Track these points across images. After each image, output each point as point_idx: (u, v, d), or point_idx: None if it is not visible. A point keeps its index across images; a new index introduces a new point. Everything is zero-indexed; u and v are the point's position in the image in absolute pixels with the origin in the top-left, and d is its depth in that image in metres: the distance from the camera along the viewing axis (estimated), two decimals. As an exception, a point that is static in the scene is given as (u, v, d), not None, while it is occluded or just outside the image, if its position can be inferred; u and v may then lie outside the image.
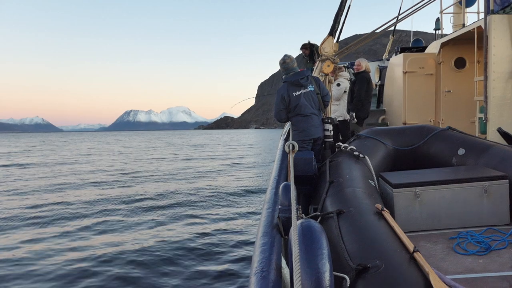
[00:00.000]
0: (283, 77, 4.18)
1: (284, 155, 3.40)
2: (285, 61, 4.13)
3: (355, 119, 5.43)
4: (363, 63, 5.53)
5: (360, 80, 5.42)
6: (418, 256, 1.52)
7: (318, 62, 5.23)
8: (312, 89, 4.10)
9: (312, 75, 4.35)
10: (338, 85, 5.79)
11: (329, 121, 4.15)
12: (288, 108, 4.06)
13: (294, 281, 1.03)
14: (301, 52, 8.18)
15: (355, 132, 5.42)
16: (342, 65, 7.26)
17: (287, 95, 4.01)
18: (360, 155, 3.29)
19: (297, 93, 4.02)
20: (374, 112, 7.50)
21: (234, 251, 6.06)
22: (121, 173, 15.95)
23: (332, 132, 4.14)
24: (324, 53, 5.12)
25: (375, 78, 8.86)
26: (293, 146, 2.81)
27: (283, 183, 2.08)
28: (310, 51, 7.72)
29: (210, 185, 12.70)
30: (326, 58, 5.10)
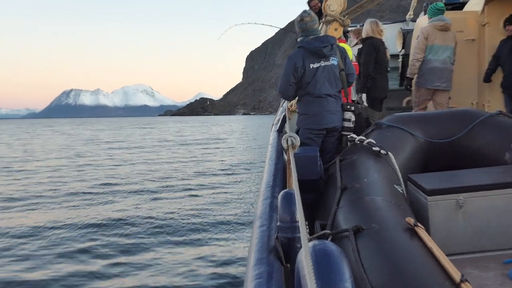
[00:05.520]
0: (298, 39, 4.13)
1: (279, 152, 3.33)
2: (303, 18, 4.08)
3: (365, 102, 5.43)
4: (368, 27, 5.55)
5: (365, 50, 5.43)
6: (466, 287, 1.52)
7: (322, 24, 5.15)
8: (336, 62, 4.06)
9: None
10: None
11: (352, 108, 4.10)
12: (299, 82, 4.03)
13: None
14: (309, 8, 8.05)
15: (370, 119, 5.40)
16: (354, 27, 7.20)
17: (301, 66, 3.97)
18: (382, 151, 3.26)
19: (315, 65, 3.98)
20: (396, 92, 7.44)
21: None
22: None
23: (354, 123, 4.11)
24: (330, 12, 5.04)
25: (396, 46, 8.77)
26: (293, 140, 2.74)
27: (283, 191, 2.01)
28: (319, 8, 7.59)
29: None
30: (333, 18, 5.03)
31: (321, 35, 4.16)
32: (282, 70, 4.11)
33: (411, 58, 5.79)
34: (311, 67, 3.97)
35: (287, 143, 2.72)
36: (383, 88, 5.52)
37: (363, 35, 5.65)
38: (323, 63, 3.99)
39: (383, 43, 5.58)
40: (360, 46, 5.96)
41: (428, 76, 5.71)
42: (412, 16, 9.85)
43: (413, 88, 5.98)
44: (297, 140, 2.74)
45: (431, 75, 5.69)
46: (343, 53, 4.20)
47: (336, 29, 4.88)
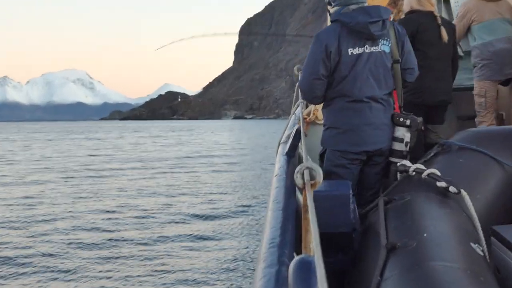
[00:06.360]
0: (331, 10, 4.25)
1: (290, 190, 3.35)
2: None
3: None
4: None
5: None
6: None
7: None
8: (388, 49, 4.15)
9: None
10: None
11: (407, 121, 4.14)
12: (331, 76, 4.10)
13: None
14: None
15: (428, 135, 5.41)
16: None
17: (336, 50, 4.04)
18: (451, 188, 3.28)
19: (357, 50, 4.07)
20: (469, 95, 7.46)
21: None
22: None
23: (408, 145, 4.14)
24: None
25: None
26: (312, 173, 2.77)
27: (297, 257, 2.03)
28: None
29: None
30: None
31: (367, 5, 4.22)
32: (306, 57, 4.21)
33: None
34: (350, 53, 4.04)
35: (303, 179, 2.74)
36: (429, 89, 5.51)
37: (405, 8, 5.71)
38: (368, 49, 4.07)
39: (433, 18, 5.61)
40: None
41: (494, 65, 6.21)
42: None
43: (475, 87, 6.48)
44: (319, 174, 2.76)
45: (497, 62, 6.20)
46: (400, 36, 4.27)
47: (378, -7, 4.96)
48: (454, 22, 6.43)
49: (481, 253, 2.84)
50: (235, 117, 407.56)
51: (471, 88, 7.16)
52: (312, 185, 2.72)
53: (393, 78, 4.21)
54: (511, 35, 6.23)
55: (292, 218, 3.04)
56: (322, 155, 4.36)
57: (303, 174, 2.75)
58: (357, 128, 4.06)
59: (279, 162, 4.12)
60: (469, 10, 6.27)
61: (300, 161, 4.16)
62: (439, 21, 5.62)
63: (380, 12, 4.07)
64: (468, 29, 6.41)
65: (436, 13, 5.66)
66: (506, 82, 6.49)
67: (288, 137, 4.57)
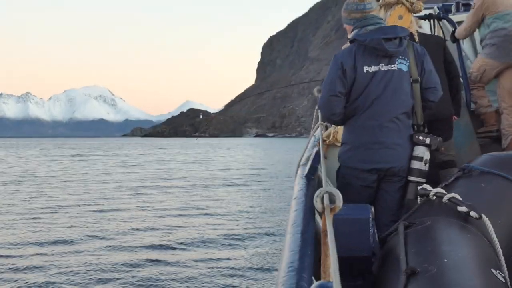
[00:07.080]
0: (351, 34, 4.34)
1: (308, 214, 3.35)
2: None
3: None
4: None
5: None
6: None
7: (379, 9, 5.31)
8: (405, 68, 4.18)
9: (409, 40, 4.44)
10: None
11: (426, 140, 4.15)
12: (348, 94, 4.19)
13: None
14: None
15: (435, 154, 5.42)
16: (428, 11, 7.33)
17: (351, 67, 4.12)
18: (472, 213, 3.25)
19: (372, 68, 4.12)
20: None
21: None
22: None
23: (427, 165, 4.14)
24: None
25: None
26: (332, 198, 2.76)
27: (316, 282, 2.03)
28: None
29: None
30: (396, 0, 5.12)
31: (384, 24, 4.32)
32: (326, 76, 4.30)
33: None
34: (365, 71, 4.10)
35: (323, 203, 2.73)
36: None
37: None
38: (384, 67, 4.11)
39: (411, 37, 5.67)
40: None
41: (503, 46, 6.66)
42: None
43: (477, 59, 7.02)
44: (339, 198, 2.75)
45: (507, 45, 6.62)
46: (419, 55, 4.30)
47: (400, 17, 4.93)
48: (467, 15, 7.05)
49: (503, 280, 2.81)
50: (257, 135, 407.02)
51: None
52: (332, 210, 2.71)
53: (412, 98, 4.22)
54: None
55: (311, 242, 3.04)
56: (338, 172, 4.43)
57: (322, 198, 2.75)
58: (367, 146, 4.11)
59: (298, 184, 4.12)
60: (484, 2, 6.69)
61: (319, 183, 4.16)
62: (416, 39, 5.65)
63: (396, 30, 4.16)
64: (482, 20, 6.86)
65: (415, 32, 5.67)
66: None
67: (307, 159, 4.57)
